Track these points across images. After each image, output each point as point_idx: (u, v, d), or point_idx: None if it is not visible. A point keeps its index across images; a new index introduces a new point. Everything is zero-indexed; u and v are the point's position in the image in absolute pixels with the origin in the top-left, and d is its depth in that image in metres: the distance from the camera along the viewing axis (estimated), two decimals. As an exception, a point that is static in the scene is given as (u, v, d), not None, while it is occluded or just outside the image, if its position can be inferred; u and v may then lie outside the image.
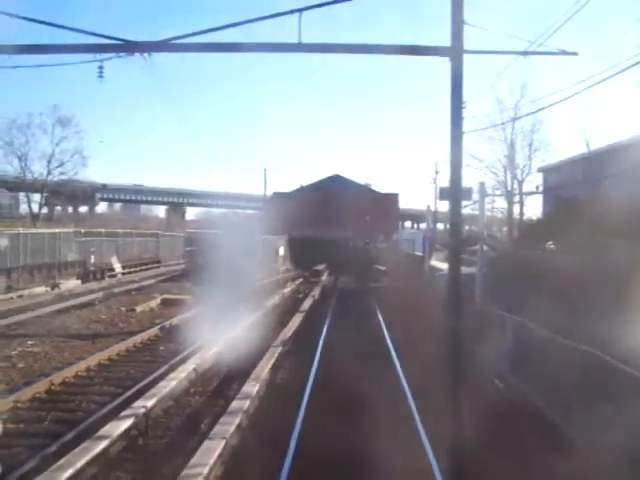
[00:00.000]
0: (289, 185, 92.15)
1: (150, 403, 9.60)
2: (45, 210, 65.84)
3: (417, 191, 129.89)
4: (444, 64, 9.97)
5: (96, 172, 70.35)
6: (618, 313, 8.31)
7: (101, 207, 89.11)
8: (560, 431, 8.54)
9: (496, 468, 7.47)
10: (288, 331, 17.09)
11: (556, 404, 9.15)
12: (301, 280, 36.12)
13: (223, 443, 7.99)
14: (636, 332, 7.38)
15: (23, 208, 68.97)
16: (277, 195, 62.86)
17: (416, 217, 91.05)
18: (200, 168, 66.98)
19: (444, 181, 44.34)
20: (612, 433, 7.44)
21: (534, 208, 43.53)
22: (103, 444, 7.71)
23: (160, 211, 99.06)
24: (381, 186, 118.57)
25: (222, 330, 15.72)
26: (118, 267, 37.38)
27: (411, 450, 8.18)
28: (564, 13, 11.05)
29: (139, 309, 21.74)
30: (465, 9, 9.78)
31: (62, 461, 7.05)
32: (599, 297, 10.27)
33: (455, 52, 9.80)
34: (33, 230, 35.54)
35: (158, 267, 42.79)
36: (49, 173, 60.68)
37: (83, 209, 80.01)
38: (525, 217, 40.33)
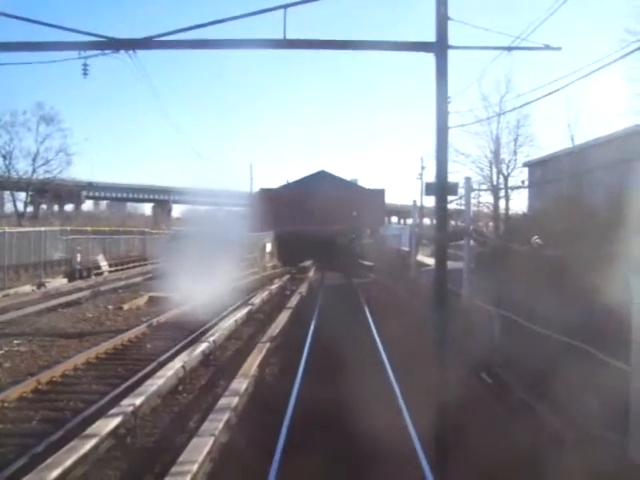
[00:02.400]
0: (275, 181, 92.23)
1: (138, 401, 9.58)
2: (30, 208, 65.39)
3: (403, 186, 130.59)
4: (431, 59, 10.05)
5: (82, 170, 70.15)
6: (607, 306, 8.45)
7: (87, 205, 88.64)
8: (537, 416, 8.76)
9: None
10: (276, 327, 17.09)
11: (538, 395, 9.30)
12: (288, 277, 36.11)
13: (212, 440, 8.00)
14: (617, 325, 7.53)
15: (8, 207, 68.60)
16: (264, 191, 62.74)
17: (402, 212, 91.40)
18: (186, 165, 66.86)
19: (430, 176, 44.63)
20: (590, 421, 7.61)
21: (520, 202, 43.71)
22: (92, 442, 7.70)
23: (146, 209, 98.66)
24: (367, 182, 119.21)
25: (209, 326, 15.69)
26: (105, 265, 37.23)
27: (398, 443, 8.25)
28: (547, 8, 11.13)
29: (126, 307, 21.67)
30: (450, 5, 9.88)
31: (50, 460, 7.03)
32: (587, 290, 10.38)
33: (440, 48, 9.89)
34: (18, 229, 35.22)
35: (145, 265, 42.63)
36: (34, 171, 60.44)
37: (69, 207, 79.49)
38: (511, 212, 40.51)
